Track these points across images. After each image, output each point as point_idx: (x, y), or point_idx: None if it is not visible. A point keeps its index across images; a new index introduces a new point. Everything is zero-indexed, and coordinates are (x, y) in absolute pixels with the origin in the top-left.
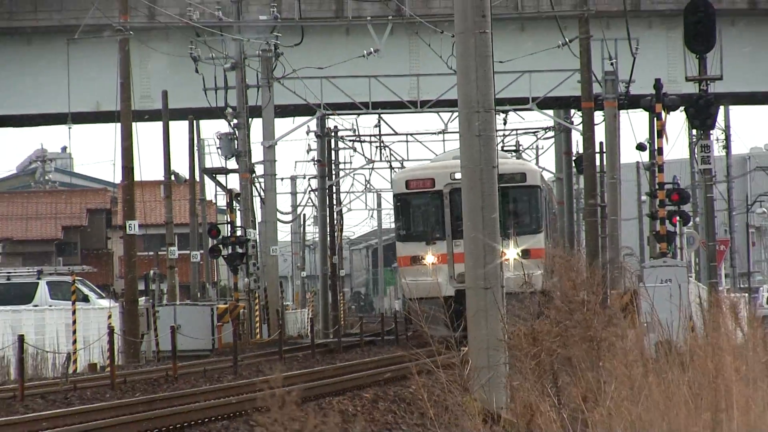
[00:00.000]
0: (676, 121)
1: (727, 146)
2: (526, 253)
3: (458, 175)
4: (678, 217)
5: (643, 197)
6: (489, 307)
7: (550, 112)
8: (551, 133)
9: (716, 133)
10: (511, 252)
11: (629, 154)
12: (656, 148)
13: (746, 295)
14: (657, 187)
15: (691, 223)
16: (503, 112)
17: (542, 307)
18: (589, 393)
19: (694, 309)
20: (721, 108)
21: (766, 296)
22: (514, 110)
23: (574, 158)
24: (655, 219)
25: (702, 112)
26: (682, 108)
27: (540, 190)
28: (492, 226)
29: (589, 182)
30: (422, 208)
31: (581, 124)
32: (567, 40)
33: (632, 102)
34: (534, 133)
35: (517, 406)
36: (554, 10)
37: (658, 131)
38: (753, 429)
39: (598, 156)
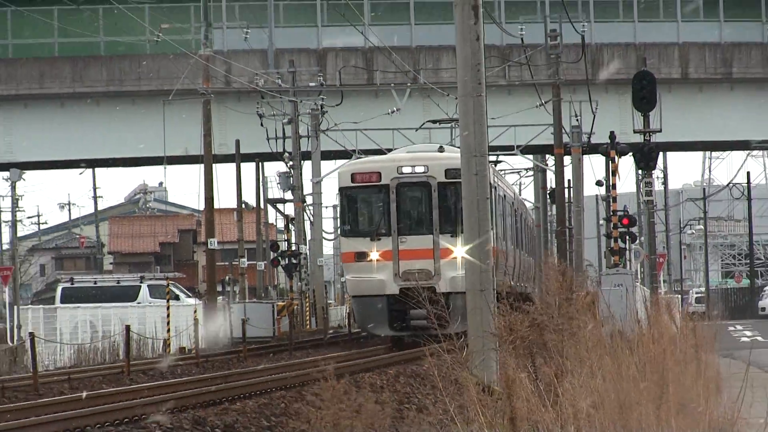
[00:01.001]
0: (626, 164)
1: (665, 182)
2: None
3: (405, 169)
4: (627, 237)
5: (601, 221)
6: (483, 305)
7: (530, 156)
8: (531, 173)
9: (656, 173)
10: (459, 250)
11: (590, 189)
12: (611, 184)
13: (679, 296)
14: (611, 213)
15: (637, 241)
16: (494, 156)
17: (513, 304)
18: (559, 370)
19: (640, 307)
20: (660, 153)
21: (694, 297)
22: (503, 155)
23: (548, 192)
24: (610, 238)
25: (646, 157)
26: (630, 153)
27: (490, 187)
28: (485, 243)
29: (559, 210)
30: (367, 203)
31: (554, 166)
32: (543, 102)
33: (593, 149)
34: (518, 172)
35: (504, 380)
36: (533, 79)
37: (612, 171)
38: (684, 398)
39: (566, 190)
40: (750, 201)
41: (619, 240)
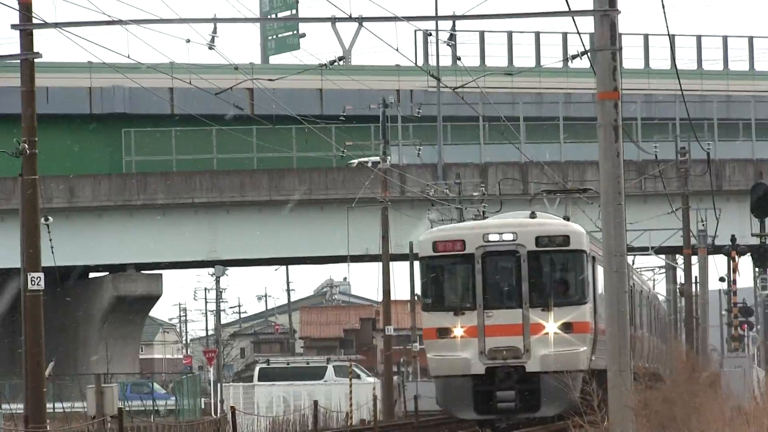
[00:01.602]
0: (745, 263)
1: None
2: (567, 327)
3: (492, 237)
4: (746, 325)
5: (723, 312)
6: (622, 385)
7: (663, 256)
8: (663, 270)
9: None
10: (551, 325)
11: (714, 284)
12: (732, 280)
13: None
14: (732, 305)
15: (754, 329)
16: (632, 255)
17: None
18: None
19: (756, 385)
20: None
21: None
22: (639, 255)
23: (678, 287)
24: (731, 326)
25: (762, 257)
26: (749, 254)
27: (585, 256)
28: (624, 330)
29: (687, 302)
30: (451, 274)
31: (683, 264)
32: (674, 209)
33: (716, 249)
34: (652, 270)
35: None
36: (665, 189)
37: (733, 269)
38: None
39: (693, 285)
40: None
41: (739, 328)
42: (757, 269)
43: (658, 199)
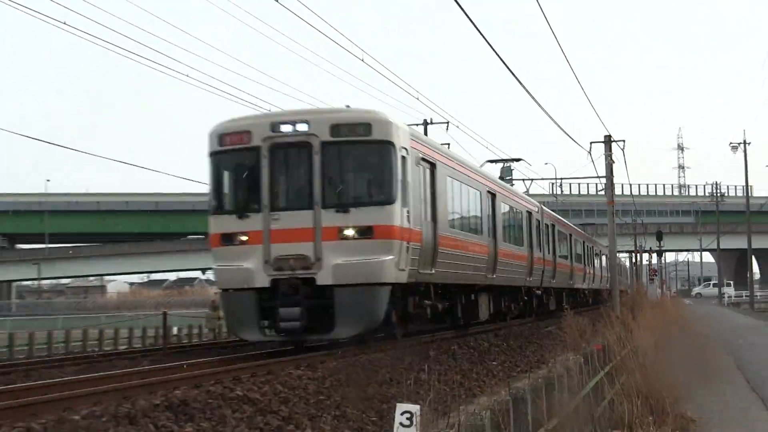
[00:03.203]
0: (655, 256)
1: (663, 259)
2: (367, 231)
3: (283, 128)
4: (656, 275)
5: (648, 271)
6: (616, 293)
7: (627, 253)
8: (628, 257)
9: (669, 259)
10: (348, 230)
11: (645, 262)
12: (650, 261)
13: (670, 292)
14: (650, 268)
15: (657, 276)
16: (619, 253)
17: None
18: (637, 312)
19: (659, 295)
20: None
21: (673, 291)
22: (620, 252)
23: (633, 262)
24: (650, 274)
25: (659, 254)
26: (655, 253)
27: (393, 149)
28: (615, 277)
29: (635, 267)
30: (236, 171)
31: (635, 256)
32: (631, 239)
33: (645, 251)
34: (624, 258)
35: (623, 314)
36: (628, 232)
37: (650, 258)
38: (673, 318)
39: (637, 262)
40: (689, 266)
41: (654, 276)
42: (657, 257)
43: (626, 236)
